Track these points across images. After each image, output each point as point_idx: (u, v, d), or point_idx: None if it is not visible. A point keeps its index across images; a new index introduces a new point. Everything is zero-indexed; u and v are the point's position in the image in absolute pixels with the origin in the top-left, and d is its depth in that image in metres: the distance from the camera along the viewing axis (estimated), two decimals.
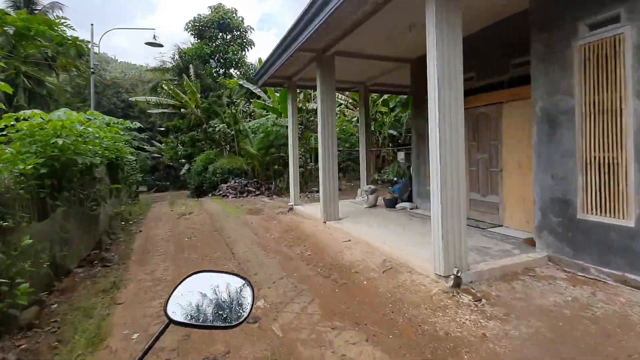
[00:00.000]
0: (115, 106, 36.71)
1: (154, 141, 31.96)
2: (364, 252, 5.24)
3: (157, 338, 0.86)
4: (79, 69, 11.71)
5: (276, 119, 12.97)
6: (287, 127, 12.81)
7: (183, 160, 22.77)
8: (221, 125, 16.03)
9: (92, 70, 13.15)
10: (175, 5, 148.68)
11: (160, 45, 14.33)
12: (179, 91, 18.23)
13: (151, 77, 32.94)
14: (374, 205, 8.75)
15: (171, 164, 33.48)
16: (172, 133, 23.38)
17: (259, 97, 19.37)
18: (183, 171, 22.63)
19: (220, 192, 14.01)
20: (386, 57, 7.76)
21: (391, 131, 21.76)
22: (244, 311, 1.00)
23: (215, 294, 1.02)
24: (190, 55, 22.66)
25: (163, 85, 19.24)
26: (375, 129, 19.42)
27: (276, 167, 14.44)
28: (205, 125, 18.87)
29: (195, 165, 17.17)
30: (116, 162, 8.38)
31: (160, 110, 26.12)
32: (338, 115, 20.24)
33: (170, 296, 0.97)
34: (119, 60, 49.87)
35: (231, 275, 1.07)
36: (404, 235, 5.79)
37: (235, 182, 13.89)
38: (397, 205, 8.23)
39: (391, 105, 19.00)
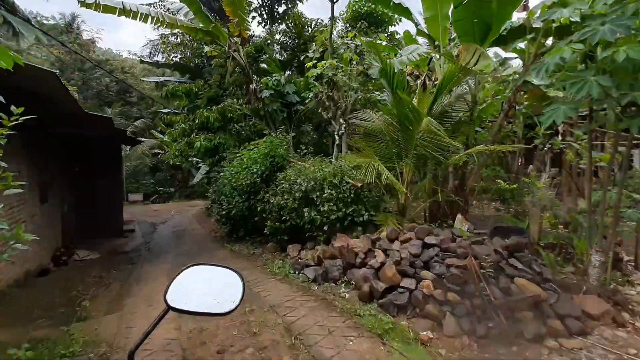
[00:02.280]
0: (107, 88, 27.44)
1: (154, 132, 21.98)
2: None
3: (157, 323, 0.95)
4: None
5: None
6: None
7: (196, 160, 12.65)
8: (340, 70, 5.78)
9: None
10: None
11: None
12: (206, 13, 8.10)
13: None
14: None
15: (178, 163, 23.71)
16: (180, 114, 13.29)
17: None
18: (198, 179, 12.70)
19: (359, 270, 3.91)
20: None
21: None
22: (234, 301, 1.06)
23: (210, 284, 1.09)
24: None
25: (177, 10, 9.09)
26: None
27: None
28: (254, 85, 8.72)
29: (234, 172, 7.05)
30: None
31: (162, 79, 16.32)
32: None
33: (169, 285, 1.04)
34: (124, 56, 39.20)
35: (225, 269, 1.13)
36: None
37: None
38: None
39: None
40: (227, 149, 9.14)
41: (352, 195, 4.97)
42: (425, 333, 2.91)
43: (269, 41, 12.49)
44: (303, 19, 12.54)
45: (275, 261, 5.46)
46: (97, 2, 6.32)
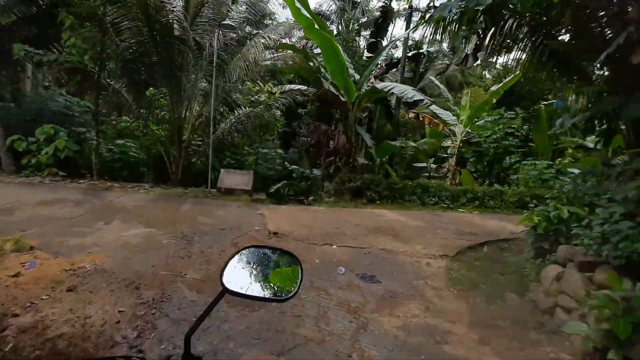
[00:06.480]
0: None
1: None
2: None
3: (213, 306, 0.90)
4: None
5: None
6: None
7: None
8: None
9: None
10: None
11: None
12: None
13: None
14: None
15: (302, 112, 10.51)
16: None
17: None
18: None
19: None
20: None
21: None
22: (294, 287, 1.00)
23: (267, 268, 1.06)
24: None
25: None
26: None
27: None
28: None
29: None
30: None
31: None
32: None
33: (225, 266, 0.99)
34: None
35: (282, 253, 1.10)
36: None
37: None
38: None
39: None
40: None
41: None
42: None
43: None
44: None
45: None
46: None
